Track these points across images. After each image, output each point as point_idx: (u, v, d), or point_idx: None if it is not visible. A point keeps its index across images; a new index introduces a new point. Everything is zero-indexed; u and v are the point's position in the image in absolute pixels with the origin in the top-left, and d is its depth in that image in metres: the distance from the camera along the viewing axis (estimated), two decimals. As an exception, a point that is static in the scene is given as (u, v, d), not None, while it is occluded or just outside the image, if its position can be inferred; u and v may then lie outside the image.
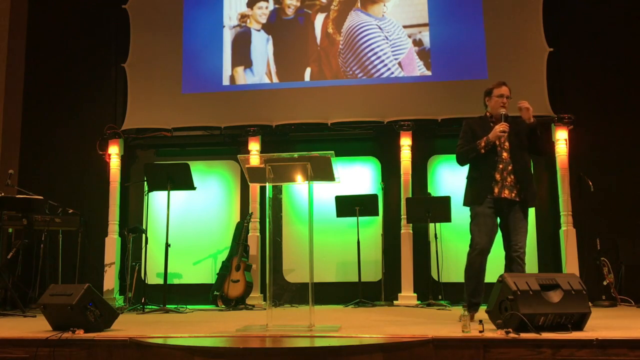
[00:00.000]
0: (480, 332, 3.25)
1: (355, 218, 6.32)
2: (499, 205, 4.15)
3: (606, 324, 3.82)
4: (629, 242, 6.20)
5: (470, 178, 4.33)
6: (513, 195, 4.13)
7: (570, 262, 6.19)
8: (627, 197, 6.44)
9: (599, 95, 6.69)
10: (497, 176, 4.14)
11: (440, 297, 6.09)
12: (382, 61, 6.84)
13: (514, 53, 6.67)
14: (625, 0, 6.81)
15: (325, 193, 6.55)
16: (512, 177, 4.14)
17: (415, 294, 6.27)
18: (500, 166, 4.15)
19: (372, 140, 7.00)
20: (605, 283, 5.97)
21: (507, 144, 4.18)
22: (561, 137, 6.49)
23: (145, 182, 6.12)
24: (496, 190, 4.13)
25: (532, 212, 6.47)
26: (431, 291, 6.11)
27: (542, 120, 6.49)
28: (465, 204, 4.35)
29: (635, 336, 3.10)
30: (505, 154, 4.17)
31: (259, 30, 7.11)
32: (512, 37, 6.71)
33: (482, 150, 4.16)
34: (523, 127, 4.21)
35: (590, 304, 3.54)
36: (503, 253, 4.23)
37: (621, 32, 6.76)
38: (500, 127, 4.08)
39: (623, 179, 6.50)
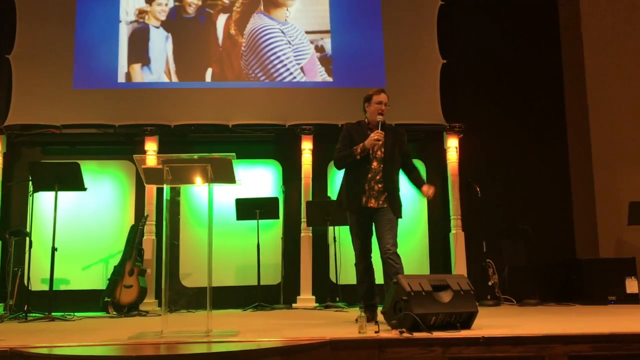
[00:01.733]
0: (376, 332, 3.33)
1: (256, 221, 6.29)
2: (367, 213, 4.25)
3: (491, 322, 4.05)
4: (511, 245, 6.65)
5: (344, 182, 4.40)
6: (380, 203, 4.22)
7: (458, 264, 6.53)
8: (512, 202, 6.92)
9: (488, 105, 7.14)
10: (366, 186, 4.21)
11: (337, 299, 6.20)
12: (285, 65, 6.87)
13: (410, 63, 6.94)
14: (512, 17, 7.33)
15: (225, 195, 6.46)
16: (380, 186, 4.23)
17: (314, 297, 6.34)
18: (369, 175, 4.22)
19: (274, 143, 7.01)
20: (490, 283, 6.35)
21: (379, 152, 4.26)
22: (452, 145, 6.84)
23: (30, 182, 5.75)
24: (364, 199, 4.21)
25: (424, 215, 6.86)
26: (329, 293, 6.20)
27: (434, 128, 6.85)
28: (336, 206, 4.54)
29: (518, 333, 3.32)
30: (375, 163, 4.23)
31: (157, 27, 6.90)
32: (408, 47, 6.99)
33: (358, 157, 4.21)
34: (400, 139, 4.34)
35: (477, 303, 3.75)
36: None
37: (509, 45, 7.27)
38: (375, 135, 4.15)
39: (508, 185, 6.97)
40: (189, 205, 6.76)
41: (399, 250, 4.14)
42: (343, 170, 4.41)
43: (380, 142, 4.17)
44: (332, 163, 6.91)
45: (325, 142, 6.90)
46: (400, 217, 4.28)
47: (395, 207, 4.23)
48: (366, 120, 4.41)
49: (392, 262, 4.08)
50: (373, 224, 4.27)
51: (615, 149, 6.88)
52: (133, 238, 6.22)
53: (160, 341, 3.36)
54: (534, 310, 5.53)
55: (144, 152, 6.52)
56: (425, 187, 4.29)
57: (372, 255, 4.32)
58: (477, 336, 3.25)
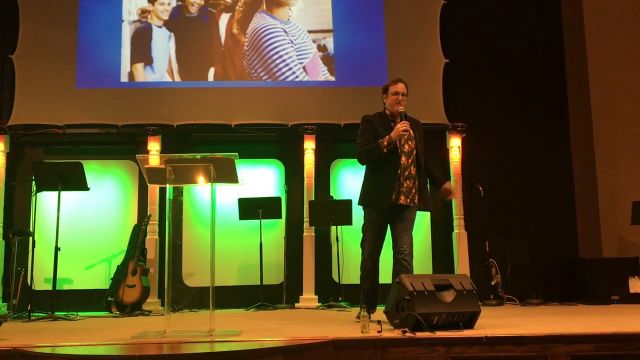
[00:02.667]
0: (379, 332, 3.33)
1: (258, 221, 6.29)
2: (393, 209, 4.14)
3: (494, 322, 4.04)
4: (514, 245, 6.64)
5: (369, 180, 4.23)
6: (408, 201, 4.12)
7: (461, 263, 6.52)
8: (514, 201, 6.91)
9: (490, 105, 7.13)
10: (396, 183, 4.08)
11: (340, 298, 6.20)
12: (287, 64, 6.87)
13: (413, 63, 6.93)
14: (515, 16, 7.32)
15: (227, 195, 6.47)
16: (409, 182, 4.12)
17: (317, 296, 6.34)
18: (399, 171, 4.09)
19: (276, 143, 7.01)
20: (493, 283, 6.35)
21: (407, 145, 4.13)
22: (455, 144, 6.83)
23: (34, 182, 5.75)
24: (394, 196, 4.08)
25: (426, 215, 6.84)
26: (332, 293, 6.20)
27: (437, 128, 6.85)
28: (361, 203, 4.27)
29: (521, 333, 3.31)
30: (404, 158, 4.10)
31: (160, 27, 6.90)
32: (411, 47, 6.98)
33: (385, 150, 4.05)
34: (420, 131, 4.26)
35: (479, 303, 3.74)
36: (391, 255, 4.32)
37: (512, 44, 7.26)
38: (402, 126, 3.98)
39: (511, 184, 6.96)
40: (191, 205, 6.76)
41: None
42: (362, 167, 4.27)
43: (408, 134, 4.02)
44: (334, 162, 6.96)
45: (328, 142, 6.91)
46: (430, 210, 4.31)
47: (427, 201, 4.19)
48: (387, 111, 4.28)
49: (406, 263, 4.05)
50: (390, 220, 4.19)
51: (618, 148, 6.87)
52: (136, 238, 6.23)
53: (163, 341, 3.36)
54: (537, 310, 5.52)
55: (147, 151, 6.53)
56: (448, 185, 4.26)
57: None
58: (480, 336, 3.25)
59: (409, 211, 4.15)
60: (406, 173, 4.13)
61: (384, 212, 4.14)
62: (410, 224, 4.15)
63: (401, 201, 4.11)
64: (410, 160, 4.15)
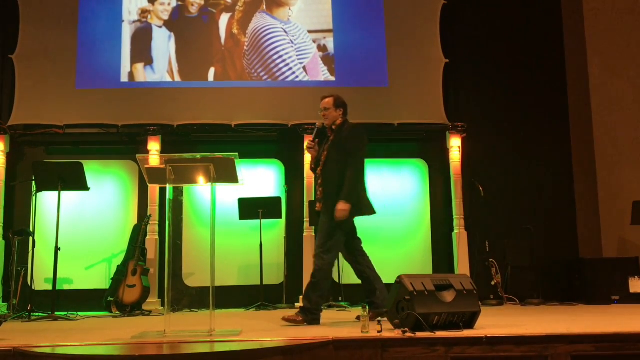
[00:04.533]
0: (379, 332, 3.33)
1: (258, 221, 6.29)
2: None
3: (494, 322, 4.05)
4: (514, 245, 6.64)
5: (361, 185, 4.43)
6: (321, 207, 4.32)
7: (461, 263, 6.52)
8: (514, 201, 6.91)
9: (490, 105, 7.12)
10: (317, 190, 4.38)
11: (340, 298, 6.20)
12: (287, 65, 6.87)
13: (413, 62, 6.93)
14: (515, 16, 7.32)
15: (227, 195, 6.47)
16: (321, 189, 4.34)
17: (316, 296, 6.32)
18: (320, 180, 4.36)
19: (276, 143, 7.00)
20: (493, 283, 6.35)
21: (322, 156, 4.37)
22: (455, 145, 6.83)
23: (34, 182, 5.75)
24: (317, 205, 4.37)
25: (426, 215, 6.85)
26: (332, 293, 6.19)
27: (437, 128, 6.85)
28: (360, 211, 4.40)
29: (521, 333, 3.31)
30: (319, 169, 4.37)
31: (160, 27, 6.90)
32: (411, 47, 6.98)
33: (313, 166, 4.47)
34: (343, 140, 4.33)
35: (479, 303, 3.74)
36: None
37: (512, 44, 7.26)
38: (305, 143, 4.33)
39: (511, 184, 6.96)
40: (191, 205, 6.76)
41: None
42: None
43: (312, 150, 4.38)
44: (334, 162, 6.95)
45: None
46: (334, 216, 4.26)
47: (329, 208, 4.24)
48: None
49: (315, 258, 4.32)
50: None
51: (619, 148, 6.86)
52: (136, 238, 6.23)
53: (163, 341, 3.36)
54: (537, 309, 5.52)
55: (147, 151, 6.53)
56: (338, 205, 4.19)
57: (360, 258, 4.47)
58: (480, 336, 3.25)
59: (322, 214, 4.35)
60: (319, 181, 4.36)
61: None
62: (321, 225, 4.32)
63: (317, 208, 4.37)
64: (322, 170, 4.37)
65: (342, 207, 4.16)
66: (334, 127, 4.42)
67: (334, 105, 4.42)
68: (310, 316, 4.12)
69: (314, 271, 4.23)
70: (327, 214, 4.24)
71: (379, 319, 3.48)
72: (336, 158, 4.29)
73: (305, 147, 4.31)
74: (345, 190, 4.18)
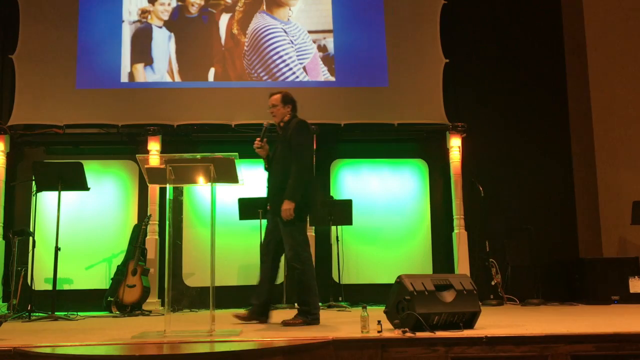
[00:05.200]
0: (379, 332, 3.33)
1: (258, 221, 6.29)
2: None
3: (494, 322, 4.05)
4: (514, 244, 6.63)
5: (309, 185, 4.34)
6: (269, 206, 4.27)
7: (461, 263, 6.52)
8: (515, 201, 6.91)
9: (490, 105, 7.12)
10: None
11: (340, 298, 6.19)
12: (287, 65, 6.87)
13: (413, 63, 6.93)
14: (515, 16, 7.32)
15: (227, 195, 6.47)
16: (268, 188, 4.31)
17: (317, 296, 6.33)
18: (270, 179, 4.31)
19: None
20: (493, 283, 6.35)
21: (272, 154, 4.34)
22: (455, 144, 6.83)
23: (34, 182, 5.75)
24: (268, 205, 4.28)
25: (426, 215, 6.85)
26: (332, 293, 6.19)
27: (437, 128, 6.85)
28: (307, 210, 4.30)
29: (521, 333, 3.32)
30: (267, 166, 4.35)
31: (160, 27, 6.90)
32: (411, 47, 6.98)
33: (266, 165, 4.39)
34: (289, 138, 4.28)
35: (479, 303, 3.74)
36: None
37: (512, 44, 7.26)
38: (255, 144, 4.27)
39: (511, 184, 6.97)
40: (192, 205, 6.76)
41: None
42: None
43: (261, 150, 4.33)
44: (334, 162, 6.96)
45: (328, 142, 6.91)
46: (282, 217, 4.14)
47: (275, 207, 4.17)
48: None
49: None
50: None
51: (619, 148, 6.87)
52: (136, 238, 6.22)
53: (164, 341, 3.36)
54: (537, 309, 5.52)
55: (147, 151, 6.53)
56: (283, 205, 4.07)
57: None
58: (480, 336, 3.25)
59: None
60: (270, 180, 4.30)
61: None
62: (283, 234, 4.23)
63: (268, 207, 4.31)
64: (269, 169, 4.37)
65: (286, 206, 4.05)
66: (281, 124, 4.38)
67: (281, 102, 4.38)
68: (310, 317, 4.11)
69: (299, 276, 4.13)
70: (278, 216, 4.11)
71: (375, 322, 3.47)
72: (283, 155, 4.25)
73: (254, 147, 4.23)
74: (289, 188, 4.07)
